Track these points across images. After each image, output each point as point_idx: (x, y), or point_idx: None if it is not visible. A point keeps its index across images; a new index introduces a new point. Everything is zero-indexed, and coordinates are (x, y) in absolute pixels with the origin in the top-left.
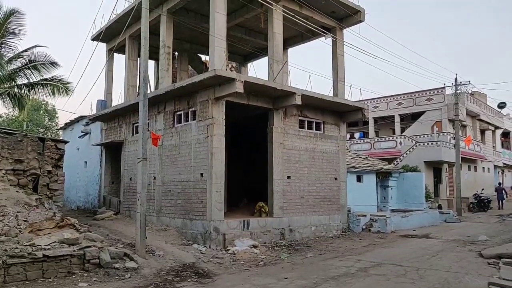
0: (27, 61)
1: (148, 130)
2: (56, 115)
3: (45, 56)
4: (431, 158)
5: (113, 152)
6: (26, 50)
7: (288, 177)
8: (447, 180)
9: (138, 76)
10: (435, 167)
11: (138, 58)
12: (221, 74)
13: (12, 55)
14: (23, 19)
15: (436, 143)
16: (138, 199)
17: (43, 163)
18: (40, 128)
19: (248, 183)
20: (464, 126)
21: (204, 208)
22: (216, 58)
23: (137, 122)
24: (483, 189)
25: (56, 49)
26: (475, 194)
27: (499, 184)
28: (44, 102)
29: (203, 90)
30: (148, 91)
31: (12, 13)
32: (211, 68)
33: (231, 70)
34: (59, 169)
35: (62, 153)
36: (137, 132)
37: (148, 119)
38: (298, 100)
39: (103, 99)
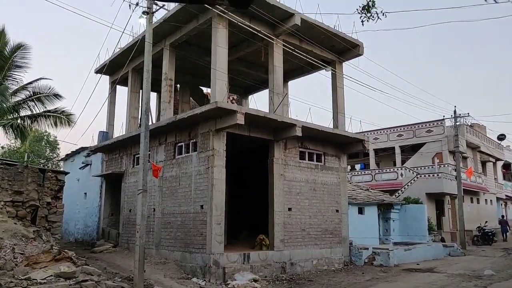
0: (31, 93)
1: (149, 162)
2: (58, 146)
3: (49, 89)
4: (433, 190)
5: (113, 183)
6: (30, 83)
7: (289, 209)
8: (449, 212)
9: (140, 108)
10: (437, 199)
11: (140, 90)
12: (223, 106)
13: (16, 87)
14: (29, 53)
15: (437, 175)
16: (137, 231)
17: (43, 195)
18: (41, 159)
19: (249, 215)
20: (464, 158)
21: (204, 241)
22: (218, 91)
23: (138, 154)
24: (486, 222)
25: (61, 81)
26: (478, 227)
27: (502, 216)
28: (46, 133)
29: (204, 122)
30: (150, 123)
31: (18, 47)
32: (212, 101)
33: (232, 103)
34: (59, 201)
35: (62, 184)
36: (138, 164)
37: (149, 151)
38: (298, 132)
39: (105, 130)
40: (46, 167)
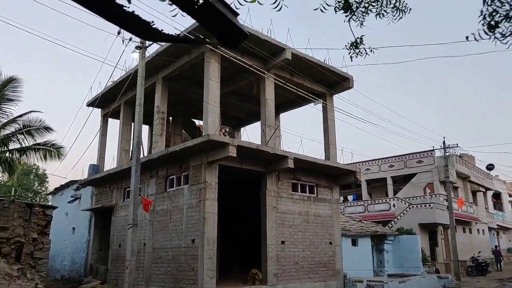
0: (21, 126)
1: (139, 195)
2: (47, 179)
3: (40, 121)
4: (425, 221)
5: (102, 217)
6: (20, 116)
7: (282, 242)
8: (442, 243)
9: (131, 141)
10: (430, 230)
11: (132, 123)
12: (215, 139)
13: (6, 120)
14: (20, 86)
15: (429, 205)
16: (127, 267)
17: (29, 230)
18: (29, 193)
19: (242, 249)
20: (455, 188)
21: (195, 276)
22: (210, 123)
23: (129, 187)
24: (480, 252)
25: (53, 115)
26: (472, 257)
27: (496, 247)
28: (35, 167)
29: (196, 155)
30: (141, 156)
31: (10, 80)
32: (204, 133)
33: (225, 135)
34: (45, 237)
35: (50, 219)
36: (128, 197)
37: (140, 184)
38: (290, 164)
39: (95, 163)
40: (34, 201)
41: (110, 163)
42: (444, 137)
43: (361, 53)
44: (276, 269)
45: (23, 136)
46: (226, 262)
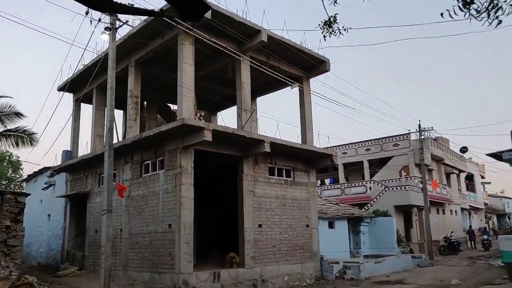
0: None
1: (114, 181)
2: (21, 166)
3: (10, 107)
4: (401, 203)
5: (78, 204)
6: None
7: (259, 225)
8: (417, 224)
9: (105, 126)
10: (405, 211)
11: (106, 108)
12: (189, 123)
13: None
14: None
15: (405, 188)
16: (102, 253)
17: (1, 218)
18: (2, 180)
19: (219, 233)
20: (430, 170)
21: (173, 261)
22: (184, 108)
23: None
24: (452, 232)
25: (25, 100)
26: (445, 237)
27: (470, 227)
28: (8, 153)
29: (171, 139)
30: (116, 141)
31: None
32: (179, 117)
33: (200, 119)
34: (19, 224)
35: (23, 206)
36: (103, 183)
37: (115, 170)
38: (267, 148)
39: (69, 149)
40: (8, 188)
41: (84, 149)
42: (419, 121)
43: (335, 32)
44: (254, 252)
45: None
46: (204, 247)
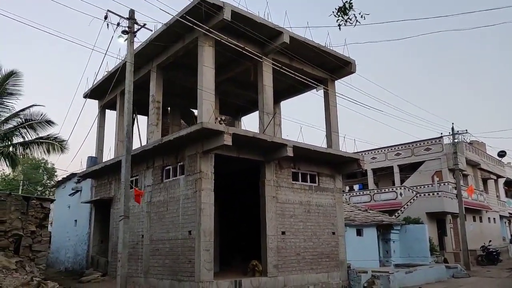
0: (23, 120)
1: (132, 187)
2: (55, 173)
3: (41, 115)
4: (434, 209)
5: (102, 210)
6: (23, 110)
7: (283, 232)
8: (451, 232)
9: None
10: (438, 219)
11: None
12: (208, 127)
13: (8, 115)
14: (21, 79)
15: (438, 194)
16: (119, 260)
17: (27, 223)
18: (38, 187)
19: (242, 240)
20: (465, 176)
21: (193, 268)
22: (204, 111)
23: None
24: (490, 241)
25: (55, 107)
26: (482, 246)
27: (511, 235)
28: (43, 161)
29: (191, 144)
30: (138, 146)
31: (10, 74)
32: (198, 121)
33: (220, 123)
34: (44, 229)
35: (47, 212)
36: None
37: (137, 175)
38: (289, 152)
39: (94, 155)
40: (43, 195)
41: (107, 155)
42: (453, 123)
43: (351, 20)
44: (277, 260)
45: (25, 130)
46: (227, 254)
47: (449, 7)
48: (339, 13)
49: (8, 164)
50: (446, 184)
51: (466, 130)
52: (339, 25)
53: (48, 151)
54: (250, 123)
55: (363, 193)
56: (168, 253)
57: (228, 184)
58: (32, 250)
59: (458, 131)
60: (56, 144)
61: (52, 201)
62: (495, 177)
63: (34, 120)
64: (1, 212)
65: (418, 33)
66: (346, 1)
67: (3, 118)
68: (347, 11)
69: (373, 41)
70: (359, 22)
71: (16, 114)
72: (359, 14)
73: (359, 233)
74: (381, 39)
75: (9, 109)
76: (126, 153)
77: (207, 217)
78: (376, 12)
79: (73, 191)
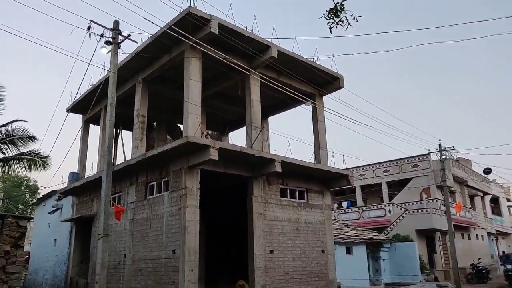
0: (4, 135)
1: (113, 204)
2: (38, 191)
3: (23, 130)
4: (423, 226)
5: (84, 228)
6: (4, 125)
7: (271, 251)
8: (441, 250)
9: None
10: (428, 236)
11: (114, 129)
12: (194, 141)
13: None
14: (3, 93)
15: (427, 211)
16: (97, 282)
17: (1, 243)
18: (19, 204)
19: (229, 259)
20: (452, 192)
21: None
22: (190, 125)
23: (111, 195)
24: (480, 258)
25: (34, 119)
26: (472, 264)
27: (503, 252)
28: (26, 178)
29: (176, 159)
30: (123, 161)
31: None
32: (184, 135)
33: (207, 137)
34: (19, 249)
35: (24, 231)
36: (112, 206)
37: (120, 192)
38: (278, 168)
39: (75, 171)
40: (25, 213)
41: (90, 171)
42: (440, 140)
43: (342, 22)
44: (265, 280)
45: (6, 146)
46: (214, 273)
47: (441, 19)
48: (330, 15)
49: None
50: (435, 201)
51: (453, 147)
52: (330, 28)
53: (30, 168)
54: (237, 139)
55: (351, 210)
56: (151, 273)
57: (215, 201)
58: (6, 272)
59: (445, 148)
60: (38, 160)
61: (29, 219)
62: (481, 194)
63: (16, 136)
64: None
65: (408, 45)
66: (338, 2)
67: None
68: (339, 13)
69: (362, 52)
70: (351, 25)
71: None
72: (351, 16)
73: (348, 251)
74: (370, 51)
75: None
76: (107, 167)
77: (192, 235)
78: (366, 23)
79: (53, 208)
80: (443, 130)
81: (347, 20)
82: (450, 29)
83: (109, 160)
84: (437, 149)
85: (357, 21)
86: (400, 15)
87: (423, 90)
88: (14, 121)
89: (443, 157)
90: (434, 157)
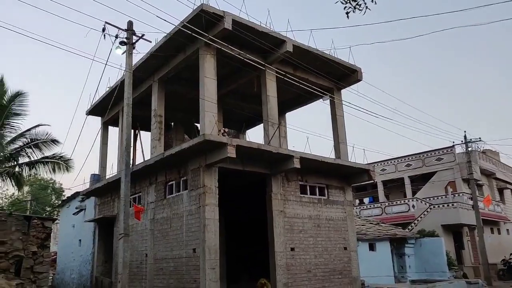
0: (29, 140)
1: (132, 204)
2: (63, 193)
3: (47, 134)
4: (449, 221)
5: (106, 228)
6: (29, 130)
7: (292, 248)
8: (469, 245)
9: (132, 148)
10: (454, 231)
11: (133, 130)
12: (211, 139)
13: (15, 135)
14: (26, 100)
15: (453, 205)
16: (119, 281)
17: (28, 244)
18: (46, 207)
19: (250, 256)
20: (479, 186)
21: None
22: (207, 123)
23: (131, 196)
24: (511, 254)
25: (61, 125)
26: (503, 260)
27: None
28: (52, 181)
29: (194, 158)
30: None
31: (16, 95)
32: (201, 133)
33: (224, 135)
34: (45, 250)
35: (49, 231)
36: (131, 206)
37: (140, 192)
38: (296, 164)
39: (96, 173)
40: (51, 215)
41: (111, 172)
42: (465, 131)
43: (360, 6)
44: (287, 278)
45: (31, 150)
46: (235, 271)
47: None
48: None
49: (13, 184)
50: (461, 194)
51: (480, 138)
52: (347, 13)
53: (54, 170)
54: (255, 137)
55: (374, 206)
56: (173, 272)
57: (235, 199)
58: (34, 272)
59: (471, 139)
60: (61, 163)
61: (53, 220)
62: (511, 187)
63: (40, 140)
64: (2, 232)
65: (430, 31)
66: None
67: (9, 139)
68: None
69: (380, 41)
70: (369, 9)
71: (22, 134)
72: None
73: (372, 247)
74: (388, 39)
75: (15, 129)
76: (125, 167)
77: (212, 234)
78: (383, 10)
79: (77, 209)
80: (469, 121)
81: (365, 3)
82: (479, 11)
83: (127, 160)
84: (462, 141)
85: (375, 3)
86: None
87: (446, 77)
88: (38, 125)
89: (469, 149)
90: (459, 149)
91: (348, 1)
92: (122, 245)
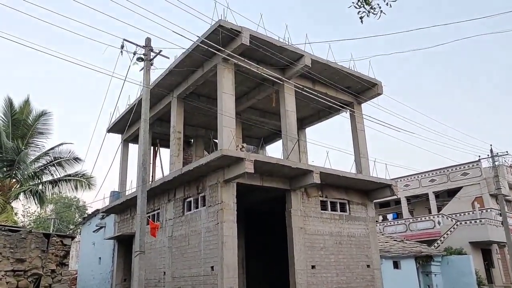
0: (52, 158)
1: (148, 221)
2: (86, 211)
3: (69, 152)
4: (477, 239)
5: (125, 246)
6: (52, 148)
7: (313, 266)
8: (500, 263)
9: (152, 165)
10: (483, 249)
11: (152, 147)
12: (228, 154)
13: (39, 154)
14: (50, 119)
15: (481, 221)
16: None
17: (47, 262)
18: (70, 225)
19: (269, 275)
20: (508, 201)
21: None
22: (225, 138)
23: (148, 212)
24: None
25: (81, 142)
26: None
27: None
28: (76, 199)
29: (212, 173)
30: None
31: (41, 114)
32: (219, 149)
33: (241, 150)
34: (64, 268)
35: (68, 249)
36: (148, 223)
37: (159, 209)
38: (316, 179)
39: (116, 190)
40: (74, 233)
41: (130, 189)
42: (491, 145)
43: (374, 10)
44: None
45: (54, 168)
46: None
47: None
48: (360, 2)
49: (36, 202)
50: (489, 210)
51: (507, 152)
52: (361, 17)
53: (76, 188)
54: (275, 153)
55: (397, 222)
56: None
57: (254, 215)
58: None
59: (497, 153)
60: (83, 181)
61: (72, 238)
62: None
63: (63, 158)
64: (22, 250)
65: (449, 40)
66: None
67: (33, 157)
68: (369, 0)
69: (400, 51)
70: (384, 13)
71: (46, 153)
72: (384, 1)
73: (396, 265)
74: (407, 50)
75: (39, 147)
76: (141, 183)
77: (230, 251)
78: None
79: (97, 227)
80: (495, 134)
81: (379, 7)
82: (505, 16)
83: (144, 176)
84: (488, 155)
85: (390, 6)
86: (444, 8)
87: (470, 90)
88: (61, 144)
89: (496, 163)
90: (485, 163)
91: (362, 5)
92: (138, 263)
